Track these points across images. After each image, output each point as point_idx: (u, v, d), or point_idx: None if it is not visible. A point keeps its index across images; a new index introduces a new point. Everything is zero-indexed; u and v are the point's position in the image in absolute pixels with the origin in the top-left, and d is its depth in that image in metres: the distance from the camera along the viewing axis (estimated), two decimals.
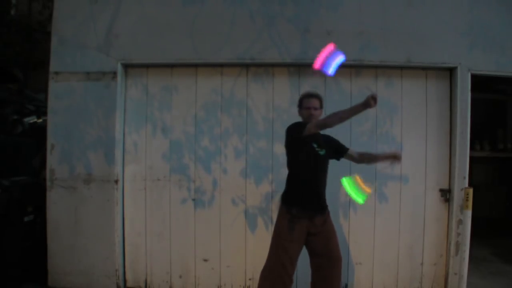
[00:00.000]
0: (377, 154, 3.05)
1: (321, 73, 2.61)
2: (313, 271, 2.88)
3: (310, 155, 2.75)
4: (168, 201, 3.66)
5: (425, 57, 3.51)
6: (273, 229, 2.90)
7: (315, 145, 2.76)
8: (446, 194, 3.56)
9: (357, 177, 2.75)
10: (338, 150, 2.99)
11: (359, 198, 2.74)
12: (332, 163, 2.92)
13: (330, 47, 2.48)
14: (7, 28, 6.81)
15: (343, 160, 3.55)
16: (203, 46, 3.54)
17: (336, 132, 3.56)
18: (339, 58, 2.48)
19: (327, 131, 2.79)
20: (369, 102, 2.34)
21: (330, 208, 3.67)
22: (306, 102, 2.82)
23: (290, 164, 2.84)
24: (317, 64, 2.49)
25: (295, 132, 2.73)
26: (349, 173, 3.56)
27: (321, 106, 2.85)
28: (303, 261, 2.90)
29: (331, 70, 2.48)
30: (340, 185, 3.53)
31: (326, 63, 2.48)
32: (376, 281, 3.60)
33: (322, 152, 2.79)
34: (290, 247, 2.72)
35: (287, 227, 2.72)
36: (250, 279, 3.59)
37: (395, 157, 2.80)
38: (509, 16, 3.54)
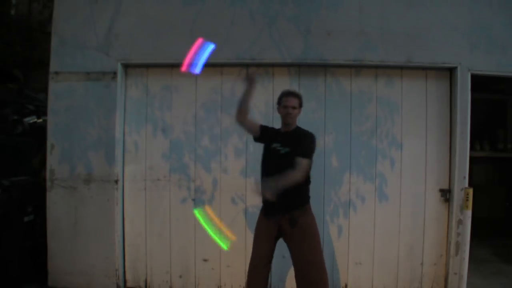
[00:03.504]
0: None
1: (189, 73, 2.75)
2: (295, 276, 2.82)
3: (272, 154, 2.76)
4: (168, 201, 3.66)
5: (425, 57, 3.50)
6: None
7: (277, 145, 2.74)
8: (446, 194, 3.55)
9: (208, 209, 2.78)
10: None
11: (222, 244, 2.80)
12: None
13: (198, 42, 2.59)
14: (7, 28, 6.81)
15: (342, 161, 3.58)
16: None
17: (336, 132, 3.57)
18: (208, 50, 2.60)
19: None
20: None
21: (329, 208, 3.66)
22: (285, 100, 2.78)
23: None
24: (184, 66, 2.60)
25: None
26: (348, 173, 3.58)
27: (300, 105, 2.81)
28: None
29: (197, 68, 2.60)
30: (339, 185, 3.59)
31: (193, 62, 2.61)
32: (376, 281, 3.60)
33: (284, 151, 2.69)
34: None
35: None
36: None
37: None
38: (510, 16, 3.53)
